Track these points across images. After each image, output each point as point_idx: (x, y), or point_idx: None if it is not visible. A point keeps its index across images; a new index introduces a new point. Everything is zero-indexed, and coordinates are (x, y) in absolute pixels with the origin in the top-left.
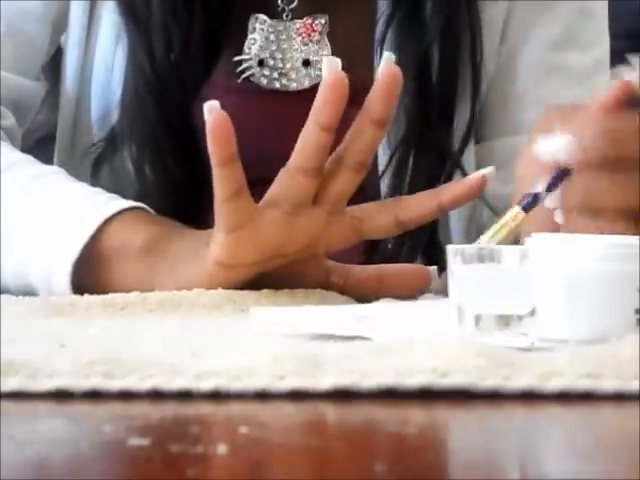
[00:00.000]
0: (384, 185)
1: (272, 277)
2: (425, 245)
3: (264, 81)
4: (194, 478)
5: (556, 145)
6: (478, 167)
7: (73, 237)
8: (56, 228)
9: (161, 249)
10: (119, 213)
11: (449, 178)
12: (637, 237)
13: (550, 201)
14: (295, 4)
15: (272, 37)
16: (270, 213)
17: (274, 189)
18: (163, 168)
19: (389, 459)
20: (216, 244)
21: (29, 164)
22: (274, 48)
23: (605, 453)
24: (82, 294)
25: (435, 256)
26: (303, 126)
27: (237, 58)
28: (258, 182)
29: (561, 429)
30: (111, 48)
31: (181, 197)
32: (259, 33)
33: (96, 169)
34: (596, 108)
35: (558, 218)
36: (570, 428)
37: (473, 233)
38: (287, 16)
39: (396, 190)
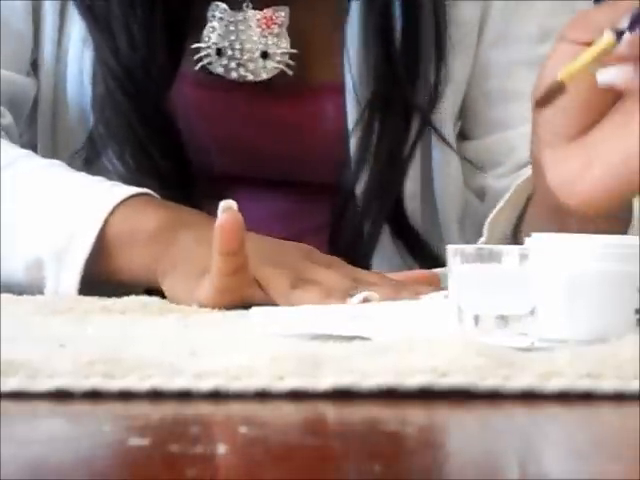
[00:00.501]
0: (353, 145)
1: None
2: (392, 218)
3: (221, 70)
4: (194, 478)
5: None
6: (474, 164)
7: (82, 229)
8: (65, 219)
9: (167, 239)
10: (125, 200)
11: (419, 136)
12: (637, 237)
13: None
14: None
15: (232, 27)
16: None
17: None
18: (148, 160)
19: (389, 459)
20: (205, 291)
21: (30, 158)
22: (233, 38)
23: (605, 453)
24: (89, 282)
25: (403, 230)
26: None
27: (194, 46)
28: (223, 176)
29: (561, 429)
30: (82, 48)
31: (170, 186)
32: (218, 22)
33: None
34: None
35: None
36: (570, 428)
37: (469, 229)
38: (247, 6)
39: (364, 150)
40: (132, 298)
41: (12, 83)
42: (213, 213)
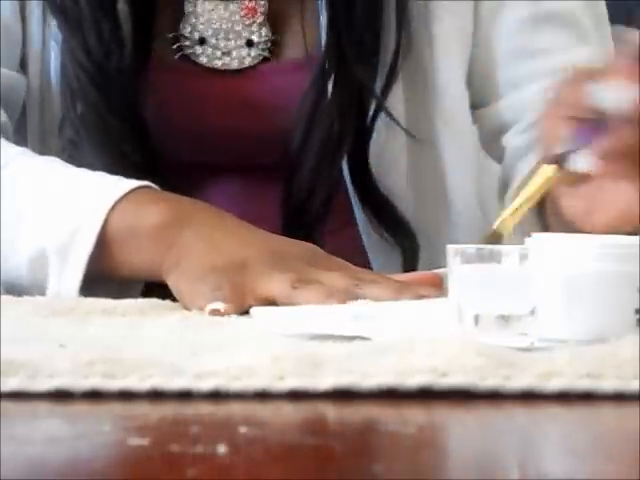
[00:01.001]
0: (301, 122)
1: None
2: (360, 186)
3: (204, 59)
4: (194, 478)
5: (614, 93)
6: (486, 131)
7: (84, 225)
8: (67, 215)
9: (170, 235)
10: (127, 194)
11: (373, 120)
12: (637, 237)
13: (583, 159)
14: None
15: (215, 16)
16: None
17: None
18: (121, 155)
19: (389, 459)
20: (200, 302)
21: (28, 156)
22: (216, 27)
23: (605, 453)
24: (92, 278)
25: (371, 198)
26: (244, 104)
27: (172, 35)
28: (201, 164)
29: (561, 429)
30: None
31: (141, 177)
32: (200, 12)
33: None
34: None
35: (590, 167)
36: (570, 428)
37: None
38: None
39: (310, 129)
40: (132, 301)
41: (5, 80)
42: None
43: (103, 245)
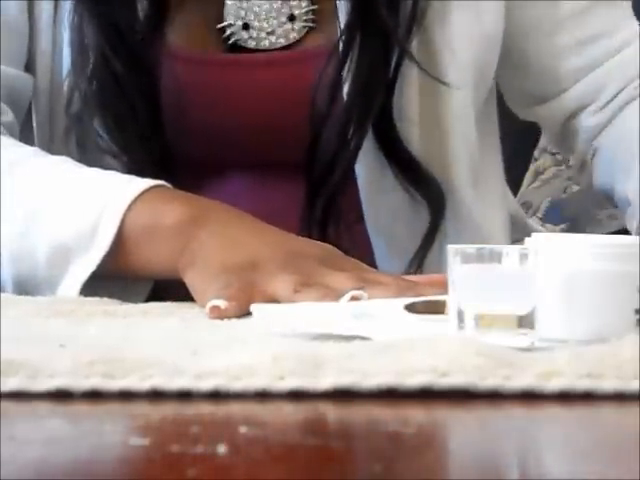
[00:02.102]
0: (329, 71)
1: None
2: (383, 141)
3: (253, 43)
4: (194, 478)
5: None
6: (554, 123)
7: (100, 226)
8: (82, 215)
9: (186, 234)
10: (142, 194)
11: (397, 68)
12: (637, 237)
13: None
14: None
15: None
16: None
17: None
18: (135, 137)
19: (389, 459)
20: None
21: (40, 156)
22: (257, 9)
23: (605, 453)
24: (107, 278)
25: (394, 152)
26: (267, 93)
27: (220, 26)
28: (215, 157)
29: (561, 429)
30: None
31: (153, 171)
32: None
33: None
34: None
35: None
36: (570, 428)
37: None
38: None
39: (337, 77)
40: (133, 305)
41: (12, 79)
42: None
43: (120, 244)
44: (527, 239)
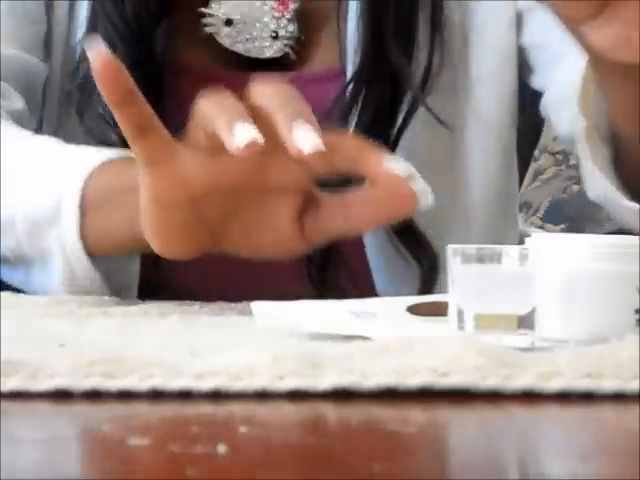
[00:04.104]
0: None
1: (240, 217)
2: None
3: (227, 41)
4: (194, 478)
5: None
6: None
7: (66, 192)
8: (49, 184)
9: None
10: (107, 162)
11: (409, 115)
12: (637, 237)
13: None
14: None
15: (246, 1)
16: (189, 149)
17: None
18: None
19: (389, 459)
20: (141, 181)
21: (28, 137)
22: (245, 11)
23: (605, 453)
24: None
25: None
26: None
27: (201, 10)
28: None
29: (561, 429)
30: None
31: None
32: None
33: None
34: None
35: None
36: (570, 428)
37: None
38: None
39: (343, 121)
40: (133, 302)
41: (28, 66)
42: None
43: (84, 212)
44: (527, 239)
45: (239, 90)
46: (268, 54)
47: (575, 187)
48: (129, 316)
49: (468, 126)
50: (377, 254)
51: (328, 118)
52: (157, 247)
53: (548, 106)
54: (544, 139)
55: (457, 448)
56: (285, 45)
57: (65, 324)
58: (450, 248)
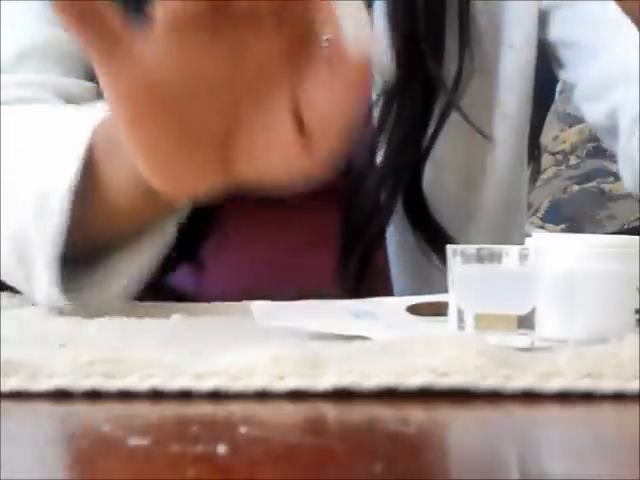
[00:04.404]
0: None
1: (241, 128)
2: (406, 191)
3: None
4: (194, 478)
5: None
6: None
7: (67, 155)
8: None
9: None
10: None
11: (443, 120)
12: (637, 237)
13: None
14: None
15: None
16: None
17: None
18: None
19: (389, 459)
20: (103, 88)
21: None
22: None
23: (605, 453)
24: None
25: (417, 205)
26: None
27: None
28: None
29: (561, 429)
30: None
31: None
32: None
33: None
34: None
35: None
36: (570, 428)
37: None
38: None
39: (380, 127)
40: (133, 305)
41: (77, 90)
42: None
43: (89, 170)
44: (527, 239)
45: None
46: None
47: (575, 187)
48: (129, 316)
49: (496, 126)
50: (400, 258)
51: (363, 123)
52: (158, 181)
53: (581, 100)
54: (544, 139)
55: (457, 448)
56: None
57: (65, 324)
58: (450, 248)
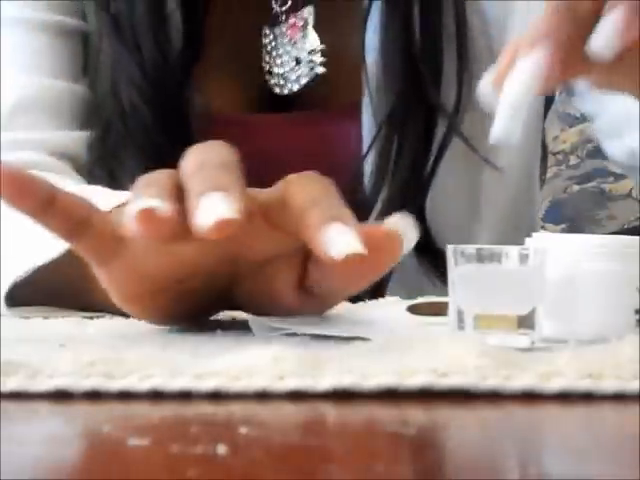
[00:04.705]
0: (368, 165)
1: (241, 286)
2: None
3: (277, 89)
4: (194, 478)
5: None
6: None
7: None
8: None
9: None
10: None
11: (445, 146)
12: (637, 237)
13: None
14: (289, 4)
15: (273, 44)
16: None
17: None
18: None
19: (389, 459)
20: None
21: None
22: (274, 54)
23: (605, 453)
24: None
25: (426, 248)
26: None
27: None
28: None
29: (561, 429)
30: None
31: None
32: (266, 42)
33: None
34: None
35: None
36: (570, 428)
37: None
38: (284, 18)
39: (380, 170)
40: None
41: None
42: None
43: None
44: (527, 239)
45: (267, 131)
46: (303, 82)
47: (575, 187)
48: (129, 316)
49: (503, 151)
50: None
51: (362, 156)
52: (132, 313)
53: (600, 135)
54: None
55: (457, 448)
56: (308, 62)
57: (65, 324)
58: (450, 248)
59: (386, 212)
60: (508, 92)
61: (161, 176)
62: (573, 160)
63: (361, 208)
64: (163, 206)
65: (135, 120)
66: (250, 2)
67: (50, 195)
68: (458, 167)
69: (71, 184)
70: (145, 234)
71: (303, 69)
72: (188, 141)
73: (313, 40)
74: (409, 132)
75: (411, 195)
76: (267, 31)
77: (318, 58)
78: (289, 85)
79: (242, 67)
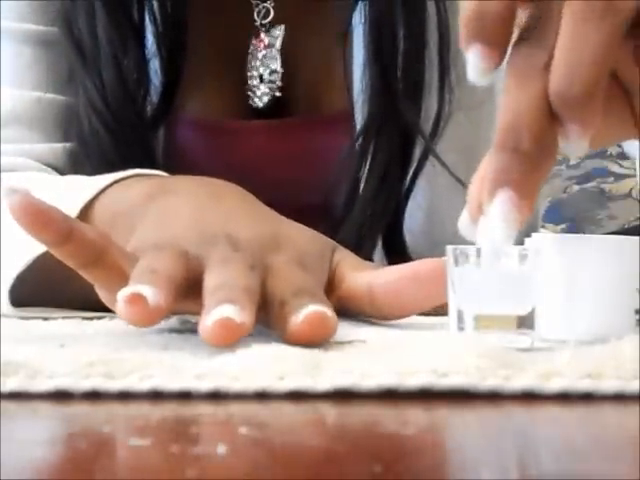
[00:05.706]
0: (350, 169)
1: None
2: (386, 230)
3: (252, 103)
4: (194, 478)
5: None
6: None
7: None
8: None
9: (139, 215)
10: (112, 184)
11: (421, 164)
12: (637, 237)
13: None
14: (271, 17)
15: (250, 56)
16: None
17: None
18: None
19: (389, 459)
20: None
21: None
22: (249, 66)
23: (605, 453)
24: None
25: (396, 244)
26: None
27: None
28: None
29: (561, 429)
30: None
31: None
32: (249, 53)
33: None
34: None
35: None
36: (570, 428)
37: None
38: (262, 31)
39: (353, 182)
40: None
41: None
42: None
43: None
44: (527, 239)
45: (247, 138)
46: (266, 100)
47: (575, 187)
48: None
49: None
50: None
51: (340, 167)
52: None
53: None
54: None
55: (457, 448)
56: (269, 82)
57: (65, 324)
58: (450, 248)
59: (359, 225)
60: (489, 240)
61: (172, 266)
62: (573, 160)
63: (333, 220)
64: (154, 296)
65: (94, 144)
66: (235, 8)
67: (68, 228)
68: (440, 188)
69: (53, 178)
70: (130, 319)
71: (263, 88)
72: (168, 149)
73: (275, 62)
74: (383, 146)
75: (383, 208)
76: (251, 41)
77: (278, 81)
78: (256, 100)
79: (227, 74)
